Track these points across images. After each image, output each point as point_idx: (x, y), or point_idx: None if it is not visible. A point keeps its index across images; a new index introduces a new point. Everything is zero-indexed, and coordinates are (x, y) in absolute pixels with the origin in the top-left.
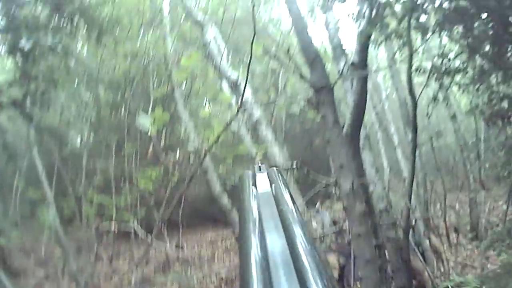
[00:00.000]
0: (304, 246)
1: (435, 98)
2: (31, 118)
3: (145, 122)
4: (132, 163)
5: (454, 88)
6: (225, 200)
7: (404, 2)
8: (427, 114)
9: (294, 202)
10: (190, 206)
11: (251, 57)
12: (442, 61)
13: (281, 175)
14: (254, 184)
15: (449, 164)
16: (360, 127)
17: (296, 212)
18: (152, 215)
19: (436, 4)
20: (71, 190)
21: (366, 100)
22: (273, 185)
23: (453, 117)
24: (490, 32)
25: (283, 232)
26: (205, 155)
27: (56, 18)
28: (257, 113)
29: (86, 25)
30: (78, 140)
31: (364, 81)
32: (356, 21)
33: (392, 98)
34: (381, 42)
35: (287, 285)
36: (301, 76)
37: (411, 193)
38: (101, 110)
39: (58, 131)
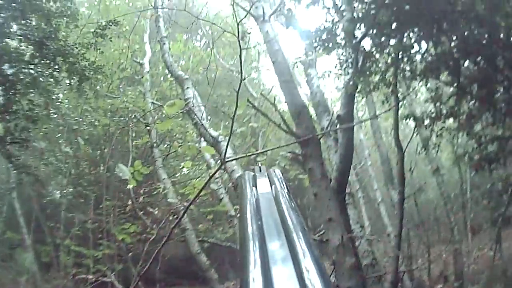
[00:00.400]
0: (304, 247)
1: (425, 147)
2: (10, 157)
3: (125, 171)
4: (110, 217)
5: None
6: (203, 259)
7: (390, 52)
8: (410, 169)
9: (294, 203)
10: (168, 264)
11: (236, 107)
12: (435, 104)
13: (281, 177)
14: (255, 185)
15: (432, 218)
16: (347, 181)
17: (296, 213)
18: (129, 269)
19: (422, 51)
20: (49, 238)
21: (352, 154)
22: (273, 186)
23: (436, 170)
24: (478, 75)
25: (283, 233)
26: (183, 213)
27: (39, 56)
28: (239, 171)
29: (67, 68)
30: (57, 191)
31: (350, 134)
32: (343, 71)
33: (374, 155)
34: (369, 92)
35: (287, 286)
36: (286, 130)
37: (400, 245)
38: (80, 163)
39: (37, 175)
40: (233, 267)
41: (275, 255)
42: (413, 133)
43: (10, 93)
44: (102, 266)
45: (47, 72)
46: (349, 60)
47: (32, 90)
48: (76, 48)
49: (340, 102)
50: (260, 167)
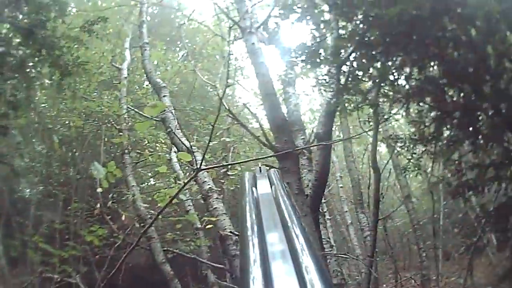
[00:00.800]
0: (304, 248)
1: (405, 169)
2: None
3: (99, 170)
4: (78, 219)
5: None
6: (167, 269)
7: (373, 74)
8: (381, 194)
9: (293, 204)
10: (131, 271)
11: (218, 114)
12: (418, 127)
13: (280, 178)
14: (255, 186)
15: (400, 244)
16: (321, 200)
17: (295, 214)
18: (93, 273)
19: (406, 75)
20: (17, 234)
21: (328, 173)
22: (273, 187)
23: (407, 197)
24: (462, 102)
25: (283, 233)
26: (154, 219)
27: (26, 44)
28: (209, 182)
29: (51, 61)
30: (28, 189)
31: (327, 152)
32: (325, 89)
33: (345, 179)
34: (350, 112)
35: (287, 286)
36: (265, 142)
37: (372, 266)
38: (51, 163)
39: (12, 166)
40: (195, 279)
41: (275, 255)
42: (391, 155)
43: None
44: (67, 266)
45: (32, 61)
46: (332, 79)
47: (16, 75)
48: (63, 40)
49: (319, 120)
50: (260, 167)
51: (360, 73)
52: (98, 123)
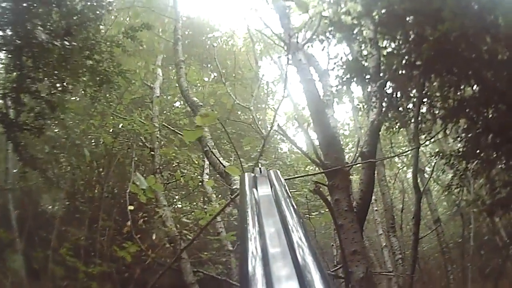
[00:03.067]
0: (305, 248)
1: (449, 186)
2: (18, 145)
3: (142, 181)
4: (105, 237)
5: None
6: None
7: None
8: (413, 217)
9: (294, 205)
10: None
11: (272, 125)
12: (465, 143)
13: (281, 178)
14: (255, 186)
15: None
16: (365, 217)
17: (296, 215)
18: None
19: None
20: (40, 247)
21: (373, 191)
22: (273, 188)
23: (437, 220)
24: (497, 121)
25: (283, 234)
26: (192, 240)
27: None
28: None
29: (90, 66)
30: (53, 202)
31: (372, 171)
32: (367, 112)
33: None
34: (396, 131)
35: (286, 285)
36: (315, 159)
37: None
38: (78, 179)
39: (44, 171)
40: None
41: (275, 256)
42: (431, 174)
43: (40, 66)
44: (94, 283)
45: (74, 60)
46: (375, 99)
47: (56, 72)
48: (104, 43)
49: (364, 139)
50: (260, 168)
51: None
52: (129, 141)
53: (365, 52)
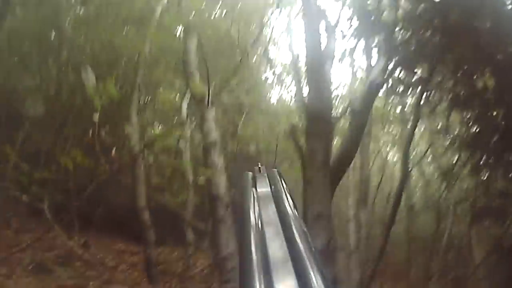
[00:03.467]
0: (304, 248)
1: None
2: None
3: (90, 78)
4: (68, 143)
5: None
6: (146, 216)
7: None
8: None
9: (293, 204)
10: (112, 211)
11: None
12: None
13: (281, 177)
14: (254, 186)
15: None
16: (340, 180)
17: (295, 214)
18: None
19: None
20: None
21: (358, 144)
22: (273, 187)
23: (411, 208)
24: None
25: (282, 234)
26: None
27: None
28: (215, 135)
29: None
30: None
31: (360, 132)
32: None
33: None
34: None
35: (286, 287)
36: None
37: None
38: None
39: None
40: (173, 235)
41: (275, 256)
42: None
43: None
44: (33, 187)
45: None
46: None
47: None
48: None
49: (359, 97)
50: (260, 168)
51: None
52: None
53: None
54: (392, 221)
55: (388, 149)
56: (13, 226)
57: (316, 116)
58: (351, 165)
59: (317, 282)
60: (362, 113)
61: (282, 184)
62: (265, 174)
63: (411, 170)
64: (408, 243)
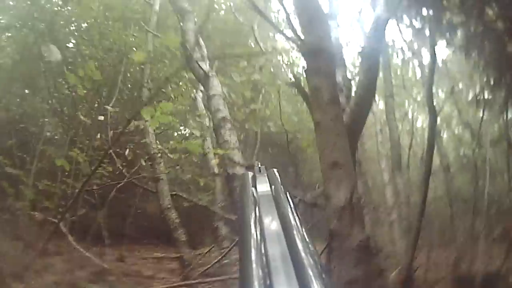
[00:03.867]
0: (304, 248)
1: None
2: None
3: (53, 52)
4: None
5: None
6: (173, 216)
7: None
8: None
9: (293, 204)
10: (137, 217)
11: None
12: None
13: (279, 177)
14: (254, 186)
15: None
16: (365, 120)
17: (295, 214)
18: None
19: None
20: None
21: (372, 98)
22: (272, 187)
23: (446, 168)
24: None
25: (282, 234)
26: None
27: None
28: (224, 111)
29: None
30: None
31: (374, 73)
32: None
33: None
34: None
35: (287, 287)
36: (292, 37)
37: (419, 232)
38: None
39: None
40: (205, 231)
41: (275, 256)
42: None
43: None
44: (49, 202)
45: None
46: None
47: None
48: None
49: (366, 36)
50: (260, 167)
51: None
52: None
53: None
54: (427, 185)
55: (415, 113)
56: (38, 248)
57: (313, 50)
58: (380, 126)
59: (317, 281)
60: (374, 52)
61: (282, 184)
62: (265, 174)
63: (440, 131)
64: (450, 207)
